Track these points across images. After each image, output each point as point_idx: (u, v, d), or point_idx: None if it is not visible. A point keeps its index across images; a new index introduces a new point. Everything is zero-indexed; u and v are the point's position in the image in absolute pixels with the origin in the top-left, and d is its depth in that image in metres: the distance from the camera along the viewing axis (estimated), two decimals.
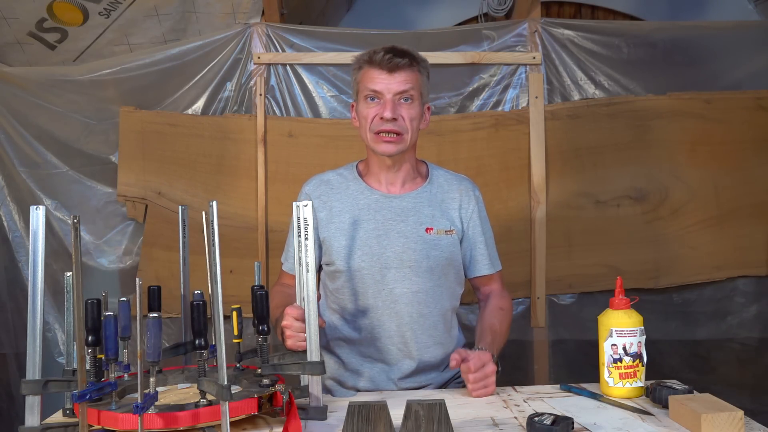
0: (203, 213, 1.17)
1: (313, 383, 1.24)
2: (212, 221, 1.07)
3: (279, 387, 1.16)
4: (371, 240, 1.55)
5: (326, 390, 1.62)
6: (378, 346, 1.56)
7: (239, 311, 1.32)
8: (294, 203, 1.31)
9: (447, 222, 1.59)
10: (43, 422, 1.15)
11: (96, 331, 1.12)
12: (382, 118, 1.50)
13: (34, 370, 1.12)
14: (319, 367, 1.24)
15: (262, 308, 1.29)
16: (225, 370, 1.05)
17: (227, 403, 1.04)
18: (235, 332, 1.31)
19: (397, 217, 1.57)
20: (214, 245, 1.07)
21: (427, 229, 1.57)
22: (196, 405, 1.10)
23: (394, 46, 1.54)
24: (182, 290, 1.45)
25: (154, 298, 1.35)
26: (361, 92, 1.56)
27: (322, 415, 1.22)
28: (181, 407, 1.10)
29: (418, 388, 1.57)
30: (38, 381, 1.12)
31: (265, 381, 1.21)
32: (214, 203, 1.08)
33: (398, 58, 1.50)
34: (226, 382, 1.04)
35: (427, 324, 1.56)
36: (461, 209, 1.62)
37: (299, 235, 1.28)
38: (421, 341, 1.56)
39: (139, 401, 1.01)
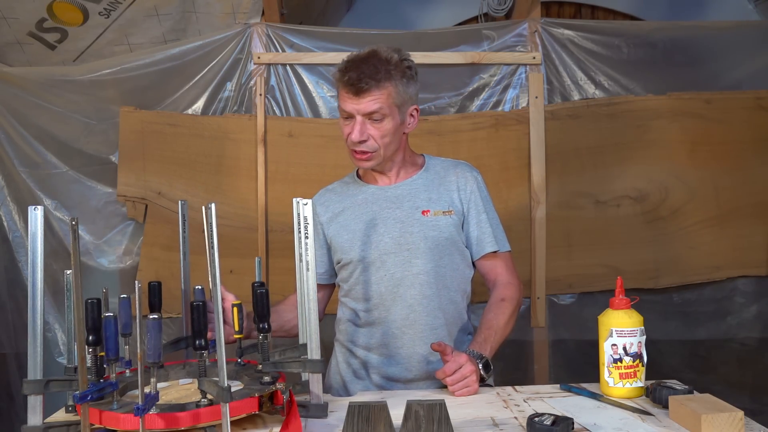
0: (203, 208, 1.17)
1: (314, 381, 1.25)
2: (210, 224, 1.07)
3: (279, 386, 1.16)
4: (369, 230, 1.58)
5: (342, 387, 1.63)
6: (391, 336, 1.56)
7: (240, 307, 1.32)
8: (294, 199, 1.30)
9: (445, 203, 1.60)
10: (45, 421, 1.15)
11: (96, 331, 1.12)
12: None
13: (35, 370, 1.12)
14: (319, 365, 1.24)
15: (262, 306, 1.29)
16: (225, 372, 1.05)
17: (227, 404, 1.04)
18: (236, 328, 1.31)
19: (392, 204, 1.60)
20: (213, 248, 1.07)
21: (423, 212, 1.58)
22: (197, 405, 1.10)
23: (364, 57, 1.51)
24: (183, 286, 1.45)
25: (155, 294, 1.36)
26: (338, 107, 1.58)
27: (322, 413, 1.22)
28: (182, 407, 1.11)
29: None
30: (40, 381, 1.12)
31: (266, 378, 1.21)
32: (213, 206, 1.08)
33: (363, 83, 1.47)
34: (226, 384, 1.04)
35: (433, 306, 1.56)
36: (459, 191, 1.62)
37: (299, 232, 1.27)
38: (427, 324, 1.56)
39: (140, 403, 1.01)
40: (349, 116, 1.53)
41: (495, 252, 1.62)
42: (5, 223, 2.60)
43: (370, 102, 1.49)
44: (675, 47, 2.67)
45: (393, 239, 1.57)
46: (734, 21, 2.90)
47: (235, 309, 1.32)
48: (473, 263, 1.66)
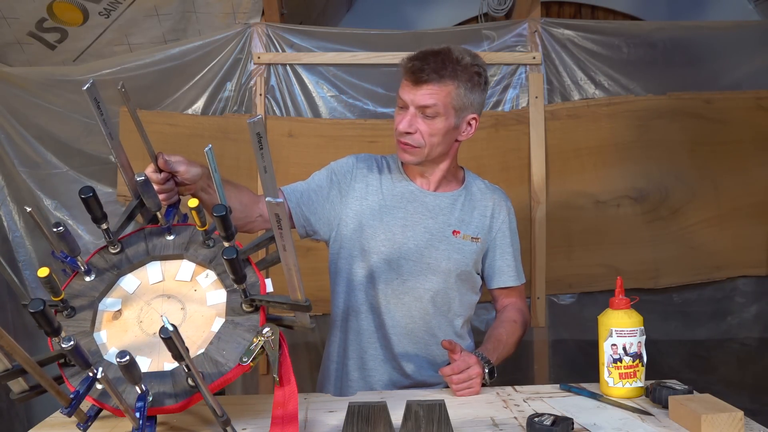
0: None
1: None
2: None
3: (267, 333, 1.11)
4: (396, 228, 1.56)
5: (333, 389, 1.62)
6: (385, 335, 1.56)
7: (198, 208, 1.25)
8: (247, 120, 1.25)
9: (475, 229, 1.59)
10: (31, 385, 1.14)
11: (50, 324, 1.10)
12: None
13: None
14: (305, 309, 1.14)
15: (237, 269, 1.16)
16: (219, 405, 1.03)
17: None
18: (199, 224, 1.26)
19: (427, 212, 1.58)
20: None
21: (454, 232, 1.57)
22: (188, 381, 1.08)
23: (435, 51, 1.48)
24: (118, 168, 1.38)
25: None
26: (397, 94, 1.54)
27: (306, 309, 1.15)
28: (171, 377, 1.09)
29: (430, 384, 1.56)
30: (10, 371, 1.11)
31: (247, 308, 1.16)
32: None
33: (424, 74, 1.44)
34: (226, 416, 1.04)
35: (432, 324, 1.56)
36: (492, 218, 1.62)
37: (261, 148, 1.23)
38: (422, 339, 1.56)
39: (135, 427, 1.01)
40: (404, 106, 1.50)
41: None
42: (5, 223, 2.60)
43: (426, 95, 1.46)
44: (675, 47, 2.67)
45: (417, 247, 1.55)
46: (734, 21, 2.90)
47: (194, 212, 1.24)
48: (483, 287, 1.66)
